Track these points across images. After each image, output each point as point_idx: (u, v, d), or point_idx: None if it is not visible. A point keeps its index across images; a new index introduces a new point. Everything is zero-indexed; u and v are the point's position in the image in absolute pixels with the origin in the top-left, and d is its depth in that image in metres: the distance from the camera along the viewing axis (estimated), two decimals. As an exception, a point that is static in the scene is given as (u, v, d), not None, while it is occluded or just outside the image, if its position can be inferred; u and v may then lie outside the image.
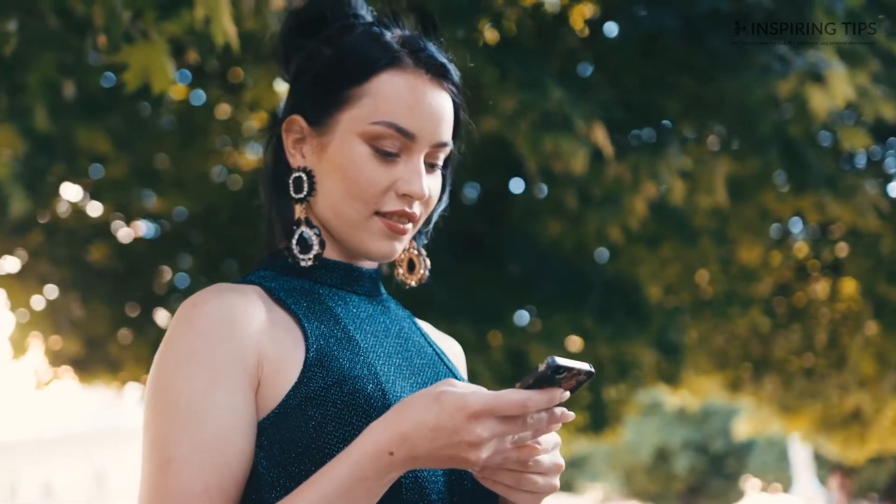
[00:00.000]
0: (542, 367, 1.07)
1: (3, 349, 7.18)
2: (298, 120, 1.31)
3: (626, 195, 5.30)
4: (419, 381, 1.30)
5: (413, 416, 1.09)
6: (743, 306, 8.26)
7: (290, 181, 1.31)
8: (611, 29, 5.19)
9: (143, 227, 7.17)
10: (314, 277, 1.32)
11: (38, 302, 6.95)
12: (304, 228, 1.29)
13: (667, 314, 6.88)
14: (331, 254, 1.34)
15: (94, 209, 7.07)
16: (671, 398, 12.16)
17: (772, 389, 10.11)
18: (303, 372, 1.20)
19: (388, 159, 1.27)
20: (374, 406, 1.19)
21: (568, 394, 1.11)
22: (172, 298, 6.89)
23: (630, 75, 4.98)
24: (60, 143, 5.38)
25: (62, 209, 6.99)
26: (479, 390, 1.09)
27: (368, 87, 1.26)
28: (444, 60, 1.31)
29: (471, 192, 7.04)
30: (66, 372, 7.41)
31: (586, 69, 5.12)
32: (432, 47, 1.31)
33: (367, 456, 1.10)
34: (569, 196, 5.61)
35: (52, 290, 6.95)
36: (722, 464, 21.68)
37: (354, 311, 1.31)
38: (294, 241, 1.29)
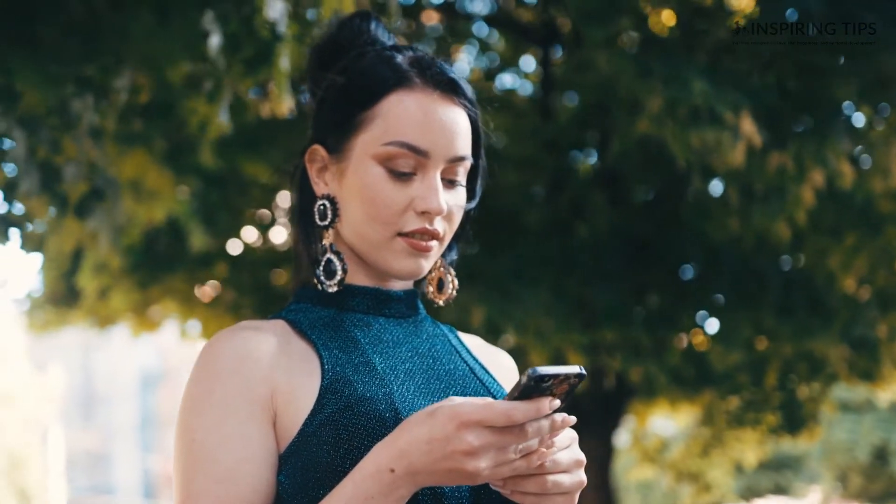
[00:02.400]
0: (524, 379, 1.06)
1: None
2: (319, 149, 1.34)
3: (791, 185, 5.05)
4: (445, 399, 1.28)
5: (409, 432, 1.12)
6: (947, 293, 7.67)
7: (315, 209, 1.33)
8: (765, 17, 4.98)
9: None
10: (342, 304, 1.33)
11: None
12: (329, 255, 1.31)
13: (853, 308, 6.49)
14: (360, 278, 1.35)
15: (280, 235, 7.38)
16: (883, 394, 11.42)
17: None
18: (318, 399, 1.23)
19: (403, 179, 1.27)
20: (387, 427, 1.20)
21: (558, 402, 1.10)
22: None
23: (784, 61, 4.77)
24: (229, 178, 5.66)
25: (250, 238, 7.35)
26: (472, 401, 1.10)
27: (379, 109, 1.28)
28: (454, 76, 1.31)
29: (639, 194, 6.91)
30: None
31: (739, 61, 4.93)
32: (443, 65, 1.31)
33: (369, 475, 1.13)
34: (731, 191, 5.41)
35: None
36: (953, 462, 20.23)
37: (378, 334, 1.32)
38: (321, 268, 1.31)
